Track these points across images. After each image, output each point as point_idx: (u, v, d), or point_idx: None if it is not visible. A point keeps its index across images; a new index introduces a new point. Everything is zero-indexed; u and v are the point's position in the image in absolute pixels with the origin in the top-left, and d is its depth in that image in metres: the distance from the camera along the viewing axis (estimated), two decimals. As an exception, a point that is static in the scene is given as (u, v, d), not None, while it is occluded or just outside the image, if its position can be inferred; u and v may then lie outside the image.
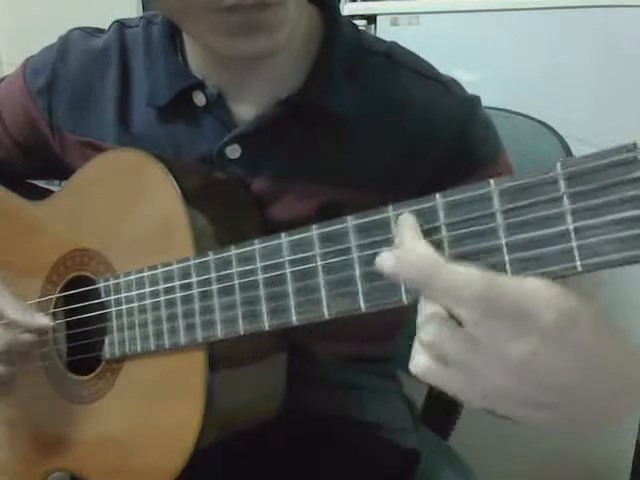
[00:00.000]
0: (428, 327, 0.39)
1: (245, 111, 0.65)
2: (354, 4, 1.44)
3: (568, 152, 0.84)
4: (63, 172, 0.73)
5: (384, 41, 0.69)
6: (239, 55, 0.56)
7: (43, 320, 0.64)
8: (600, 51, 1.21)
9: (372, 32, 1.40)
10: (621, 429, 1.26)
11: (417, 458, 0.80)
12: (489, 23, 1.31)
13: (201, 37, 0.57)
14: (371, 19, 1.39)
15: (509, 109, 0.92)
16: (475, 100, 0.67)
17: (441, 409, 0.98)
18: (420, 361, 0.41)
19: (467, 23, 1.33)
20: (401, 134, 0.64)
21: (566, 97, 1.22)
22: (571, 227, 0.35)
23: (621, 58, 1.19)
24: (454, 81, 0.67)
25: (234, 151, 0.65)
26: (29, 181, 0.83)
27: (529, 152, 0.85)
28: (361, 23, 1.36)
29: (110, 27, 0.74)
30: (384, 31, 1.38)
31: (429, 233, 0.40)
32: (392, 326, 0.78)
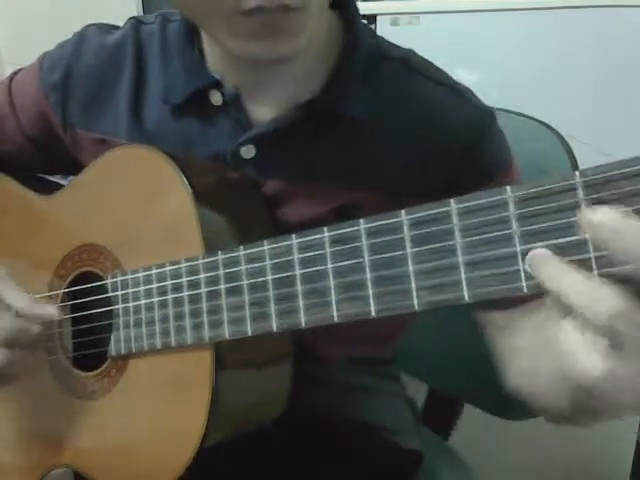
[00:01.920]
0: (601, 306, 0.34)
1: (262, 112, 0.65)
2: (354, 4, 1.44)
3: (568, 152, 0.84)
4: (74, 168, 0.72)
5: (401, 47, 0.69)
6: (258, 58, 0.56)
7: (50, 310, 0.63)
8: (600, 51, 1.22)
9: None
10: (621, 429, 1.27)
11: (419, 459, 0.80)
12: (489, 23, 1.31)
13: (220, 39, 0.56)
14: (371, 19, 1.39)
15: (509, 109, 0.92)
16: (491, 111, 0.67)
17: (442, 410, 0.98)
18: (597, 361, 0.36)
19: (467, 23, 1.33)
20: (416, 140, 0.64)
21: (566, 97, 1.22)
22: (589, 236, 0.35)
23: (621, 58, 1.20)
24: (469, 90, 0.67)
25: (249, 151, 0.64)
26: (40, 175, 0.83)
27: (529, 152, 0.85)
28: (361, 23, 1.36)
29: (125, 23, 0.73)
30: (384, 31, 1.38)
31: (443, 238, 0.40)
32: (395, 328, 0.78)
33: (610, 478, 1.31)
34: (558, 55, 1.23)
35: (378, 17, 1.36)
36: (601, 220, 0.34)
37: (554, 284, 0.36)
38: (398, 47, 0.69)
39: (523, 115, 0.92)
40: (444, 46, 1.27)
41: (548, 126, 0.88)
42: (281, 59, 0.55)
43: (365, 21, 1.37)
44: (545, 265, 0.37)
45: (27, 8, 1.75)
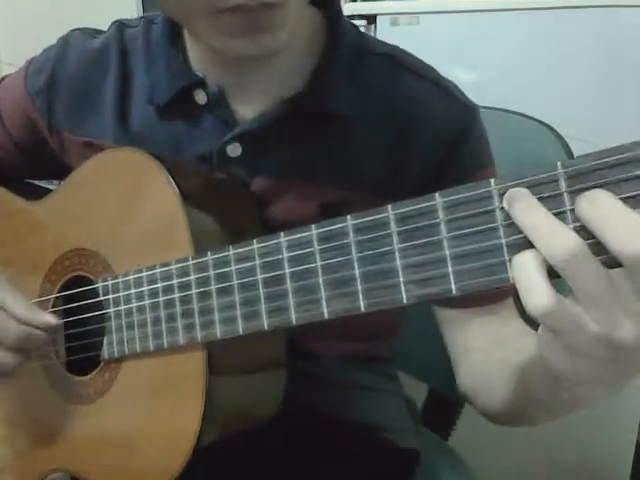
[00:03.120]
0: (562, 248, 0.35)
1: (246, 110, 0.65)
2: (354, 4, 1.44)
3: (568, 152, 0.84)
4: (62, 172, 0.73)
5: (387, 43, 0.69)
6: (241, 55, 0.56)
7: (49, 318, 0.63)
8: (600, 51, 1.22)
9: (372, 32, 1.40)
10: (621, 429, 1.26)
11: (417, 458, 0.80)
12: (489, 23, 1.31)
13: (202, 36, 0.57)
14: (371, 19, 1.39)
15: (509, 109, 0.92)
16: (476, 109, 0.67)
17: (441, 409, 0.98)
18: (545, 292, 0.36)
19: (467, 23, 1.33)
20: (401, 136, 0.65)
21: (566, 97, 1.22)
22: (571, 226, 0.35)
23: (621, 58, 1.20)
24: (455, 86, 0.68)
25: (235, 149, 0.65)
26: (28, 180, 0.83)
27: (529, 152, 0.85)
28: (361, 23, 1.37)
29: (110, 27, 0.74)
30: (384, 31, 1.38)
31: (429, 232, 0.40)
32: (391, 326, 0.78)
33: (610, 478, 1.31)
34: (558, 55, 1.23)
35: (378, 17, 1.37)
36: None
37: (524, 219, 0.36)
38: (384, 43, 0.69)
39: (523, 115, 0.92)
40: (444, 46, 1.28)
41: (548, 126, 0.88)
42: (263, 55, 0.56)
43: (365, 21, 1.37)
44: (519, 202, 0.37)
45: (27, 8, 1.76)
